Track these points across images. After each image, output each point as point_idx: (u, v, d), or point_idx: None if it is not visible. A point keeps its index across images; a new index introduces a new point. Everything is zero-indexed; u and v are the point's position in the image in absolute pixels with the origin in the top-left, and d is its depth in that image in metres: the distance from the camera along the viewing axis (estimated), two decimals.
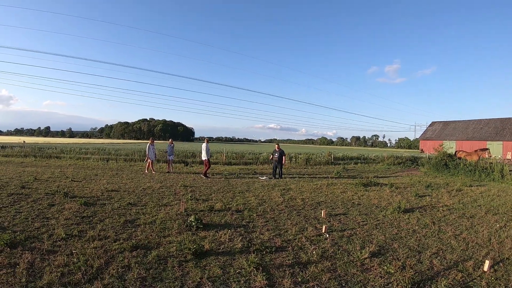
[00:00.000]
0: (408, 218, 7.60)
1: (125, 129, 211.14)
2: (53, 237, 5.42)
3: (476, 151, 25.27)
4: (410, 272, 4.36)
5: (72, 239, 5.39)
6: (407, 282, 4.05)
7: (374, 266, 4.68)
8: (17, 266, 4.21)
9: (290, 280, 4.12)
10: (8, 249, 4.79)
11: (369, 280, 4.21)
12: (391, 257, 5.07)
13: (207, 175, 14.86)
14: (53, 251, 4.84)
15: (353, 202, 9.47)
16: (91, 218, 6.81)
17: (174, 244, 5.31)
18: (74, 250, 4.88)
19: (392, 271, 4.42)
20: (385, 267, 4.54)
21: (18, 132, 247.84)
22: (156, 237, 5.66)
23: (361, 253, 5.09)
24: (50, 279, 3.86)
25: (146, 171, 16.17)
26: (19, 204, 7.76)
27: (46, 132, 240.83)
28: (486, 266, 4.59)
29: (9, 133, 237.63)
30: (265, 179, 14.74)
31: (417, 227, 6.86)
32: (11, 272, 4.04)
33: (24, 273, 4.03)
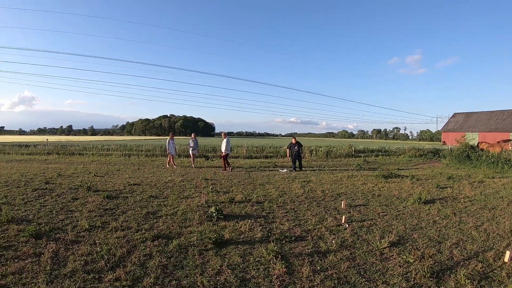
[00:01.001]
0: (429, 209, 7.49)
1: (146, 126, 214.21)
2: (77, 228, 5.61)
3: (499, 142, 24.59)
4: (430, 262, 4.32)
5: (95, 230, 5.57)
6: (426, 271, 4.00)
7: (393, 255, 4.66)
8: (42, 255, 4.39)
9: (309, 268, 4.15)
10: (33, 240, 4.99)
11: (388, 269, 4.20)
12: (411, 246, 5.03)
13: (226, 168, 14.96)
14: (77, 241, 5.01)
15: (373, 194, 9.38)
16: (113, 210, 7.01)
17: (195, 234, 5.42)
18: (97, 240, 5.05)
19: (411, 261, 4.38)
20: (404, 257, 4.51)
21: (41, 131, 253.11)
22: (177, 227, 5.79)
23: (380, 242, 5.07)
24: (74, 267, 4.01)
25: (167, 166, 16.45)
26: (43, 198, 8.04)
27: (69, 130, 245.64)
28: (506, 257, 4.50)
29: (32, 133, 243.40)
30: (286, 171, 14.74)
31: (437, 218, 6.76)
32: (36, 261, 4.22)
33: (48, 261, 4.20)
